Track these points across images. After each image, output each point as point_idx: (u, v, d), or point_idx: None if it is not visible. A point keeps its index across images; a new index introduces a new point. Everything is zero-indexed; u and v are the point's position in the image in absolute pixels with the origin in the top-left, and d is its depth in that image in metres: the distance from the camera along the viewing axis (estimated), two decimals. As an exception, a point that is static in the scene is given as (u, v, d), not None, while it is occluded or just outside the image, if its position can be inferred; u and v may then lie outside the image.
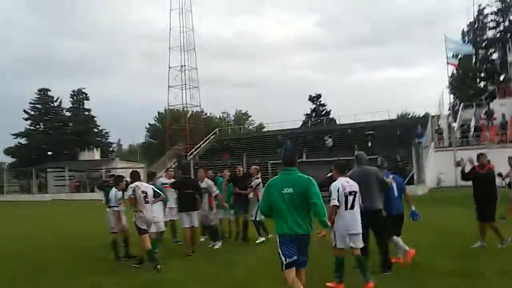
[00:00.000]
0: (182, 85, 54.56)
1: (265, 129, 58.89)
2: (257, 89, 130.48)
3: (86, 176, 44.56)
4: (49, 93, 62.57)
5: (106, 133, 66.23)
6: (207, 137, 49.05)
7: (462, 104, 40.67)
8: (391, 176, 8.39)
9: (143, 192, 8.70)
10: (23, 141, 60.69)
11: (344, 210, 6.77)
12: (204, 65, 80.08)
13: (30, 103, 61.58)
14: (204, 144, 47.08)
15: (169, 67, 54.34)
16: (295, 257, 5.35)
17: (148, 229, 8.69)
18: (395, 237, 8.30)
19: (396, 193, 8.33)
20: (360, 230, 6.87)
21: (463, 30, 55.58)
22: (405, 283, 6.99)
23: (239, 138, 47.30)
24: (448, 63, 32.73)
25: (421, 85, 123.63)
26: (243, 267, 8.63)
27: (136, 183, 8.77)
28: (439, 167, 29.73)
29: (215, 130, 51.34)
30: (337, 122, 50.61)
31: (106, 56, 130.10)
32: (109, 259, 9.70)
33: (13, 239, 14.04)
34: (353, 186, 6.91)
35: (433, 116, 36.55)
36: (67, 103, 64.08)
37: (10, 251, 11.48)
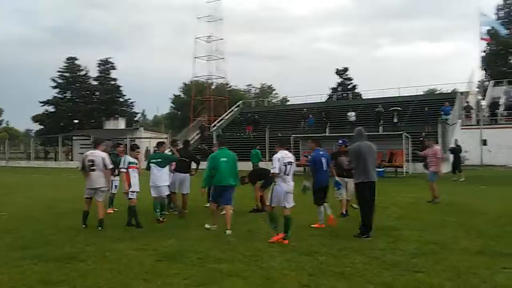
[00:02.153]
0: (208, 56, 54.38)
1: (289, 103, 58.61)
2: (282, 62, 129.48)
3: (111, 145, 45.09)
4: (76, 62, 63.21)
5: (132, 103, 66.92)
6: (231, 109, 49.01)
7: (491, 81, 39.44)
8: (321, 152, 10.01)
9: (89, 160, 9.87)
10: (50, 109, 61.72)
11: (283, 175, 8.33)
12: (229, 37, 79.42)
13: (58, 71, 62.46)
14: (227, 116, 47.08)
15: (196, 38, 54.16)
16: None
17: (91, 196, 10.00)
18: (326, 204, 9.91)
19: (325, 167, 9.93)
20: (291, 190, 8.45)
21: (497, 5, 53.65)
22: (430, 260, 6.91)
23: (263, 111, 47.06)
24: (481, 38, 31.67)
25: (451, 61, 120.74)
26: (262, 237, 8.69)
27: (87, 152, 10.07)
28: (464, 145, 29.11)
29: (239, 103, 51.21)
30: (363, 97, 49.90)
31: (133, 27, 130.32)
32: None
33: (43, 203, 14.38)
34: (290, 157, 8.55)
35: (461, 93, 35.65)
36: (94, 73, 64.81)
37: (40, 216, 11.76)
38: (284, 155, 8.48)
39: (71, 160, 46.50)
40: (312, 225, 9.72)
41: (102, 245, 8.10)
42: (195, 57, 54.41)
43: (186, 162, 11.60)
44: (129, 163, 10.13)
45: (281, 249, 7.69)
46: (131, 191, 10.06)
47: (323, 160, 9.89)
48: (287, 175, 8.41)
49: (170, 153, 11.46)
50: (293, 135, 28.70)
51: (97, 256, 7.29)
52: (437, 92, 56.69)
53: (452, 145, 23.67)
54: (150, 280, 5.97)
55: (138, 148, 10.93)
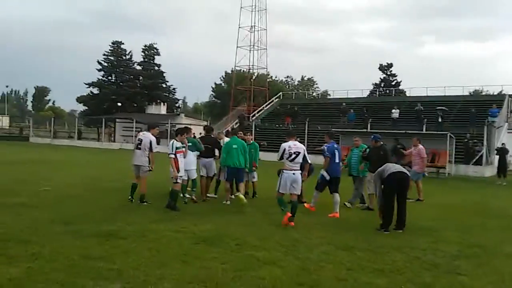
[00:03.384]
0: (250, 46, 54.35)
1: (329, 96, 58.02)
2: (322, 55, 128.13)
3: (146, 128, 45.86)
4: (122, 46, 64.33)
5: (174, 89, 67.63)
6: (271, 100, 48.93)
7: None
8: (335, 145, 10.83)
9: (138, 139, 10.87)
10: (95, 90, 63.17)
11: (288, 163, 9.02)
12: (270, 28, 78.96)
13: (104, 54, 63.65)
14: (267, 107, 47.05)
15: (239, 27, 54.23)
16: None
17: (135, 172, 10.79)
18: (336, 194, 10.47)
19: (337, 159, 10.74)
20: (299, 180, 9.10)
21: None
22: (473, 263, 6.71)
23: (303, 103, 46.77)
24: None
25: (497, 62, 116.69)
26: (298, 227, 8.66)
27: (141, 132, 11.16)
28: (511, 150, 28.16)
29: (279, 94, 51.05)
30: (407, 94, 48.81)
31: (178, 14, 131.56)
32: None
33: (85, 181, 14.78)
34: (299, 148, 9.20)
35: (510, 95, 34.35)
36: (138, 57, 65.84)
37: (81, 193, 12.09)
38: (292, 145, 9.14)
39: (114, 141, 47.63)
40: (305, 204, 10.86)
41: (141, 224, 8.25)
42: (238, 46, 54.49)
43: (209, 148, 12.00)
44: (177, 148, 10.32)
45: (319, 241, 7.63)
46: (179, 175, 10.26)
47: (336, 153, 10.66)
48: (292, 162, 9.04)
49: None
50: (333, 130, 28.33)
51: (137, 235, 7.42)
52: (483, 93, 54.99)
53: (499, 145, 22.84)
54: (189, 262, 6.02)
55: (187, 131, 11.20)
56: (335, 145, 10.87)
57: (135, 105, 62.32)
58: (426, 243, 7.92)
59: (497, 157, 22.68)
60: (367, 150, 11.75)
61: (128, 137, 47.04)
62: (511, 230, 9.41)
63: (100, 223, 8.16)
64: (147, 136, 10.82)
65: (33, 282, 5.05)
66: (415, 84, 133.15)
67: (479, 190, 18.10)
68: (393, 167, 9.20)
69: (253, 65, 55.41)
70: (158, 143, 11.30)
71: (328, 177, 10.60)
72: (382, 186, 9.07)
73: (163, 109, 57.99)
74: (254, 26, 53.84)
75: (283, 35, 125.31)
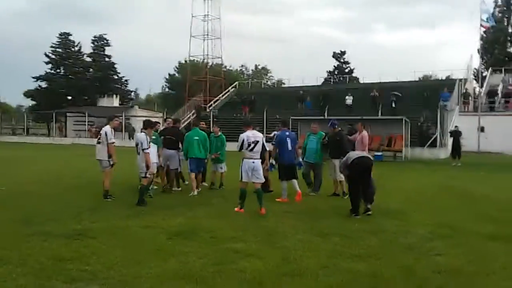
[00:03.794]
0: (204, 35, 53.65)
1: (285, 85, 58.26)
2: (276, 45, 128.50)
3: (106, 122, 44.65)
4: (70, 37, 62.20)
5: (126, 80, 66.10)
6: (227, 89, 48.59)
7: (490, 68, 39.36)
8: (287, 133, 10.84)
9: (99, 133, 10.69)
10: (43, 84, 60.86)
11: (248, 152, 9.11)
12: (223, 18, 78.29)
13: (51, 46, 61.43)
14: (223, 97, 46.70)
15: (192, 16, 53.35)
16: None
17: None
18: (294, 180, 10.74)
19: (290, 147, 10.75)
20: (259, 169, 9.18)
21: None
22: (447, 244, 6.82)
23: (259, 93, 46.65)
24: (481, 25, 31.41)
25: (445, 48, 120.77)
26: (270, 217, 8.61)
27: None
28: (462, 132, 29.19)
29: (235, 83, 50.78)
30: (360, 81, 49.64)
31: (128, 3, 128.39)
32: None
33: (41, 178, 14.16)
34: (258, 137, 9.30)
35: (460, 80, 35.54)
36: (87, 49, 63.84)
37: (40, 191, 11.55)
38: (251, 134, 9.27)
39: (65, 136, 46.06)
40: (277, 199, 10.49)
41: (108, 222, 7.93)
42: (192, 36, 53.65)
43: (172, 140, 11.93)
44: (148, 142, 10.04)
45: (293, 230, 7.57)
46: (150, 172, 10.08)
47: (288, 140, 10.72)
48: (252, 151, 9.16)
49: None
50: (292, 117, 28.42)
51: (106, 233, 7.11)
52: (432, 78, 56.67)
53: (453, 128, 23.54)
54: (164, 258, 5.80)
55: (155, 124, 11.29)
56: (287, 133, 10.91)
57: (86, 98, 60.52)
58: (397, 226, 8.01)
59: (451, 139, 23.37)
60: (326, 137, 11.85)
61: (80, 132, 45.65)
62: (476, 210, 9.67)
63: (65, 222, 7.78)
64: (104, 129, 10.56)
65: (1, 289, 4.74)
66: (368, 71, 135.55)
67: (437, 172, 18.61)
68: (354, 153, 9.36)
69: (207, 55, 54.84)
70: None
71: (276, 165, 11.01)
72: (347, 171, 9.20)
73: (115, 101, 56.44)
74: (208, 14, 53.18)
75: (237, 24, 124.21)
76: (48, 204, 9.71)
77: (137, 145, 10.08)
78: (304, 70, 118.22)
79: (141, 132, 10.38)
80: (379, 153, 23.68)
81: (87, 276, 5.14)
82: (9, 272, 5.20)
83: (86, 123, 44.59)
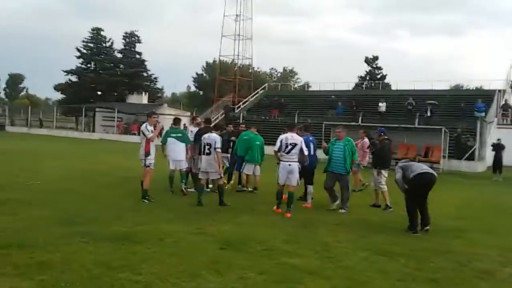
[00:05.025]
0: (235, 35, 53.33)
1: (312, 88, 57.46)
2: (301, 47, 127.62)
3: (134, 119, 44.76)
4: (102, 33, 62.53)
5: (155, 78, 66.18)
6: (256, 91, 48.12)
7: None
8: (310, 138, 10.78)
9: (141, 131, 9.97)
10: (73, 78, 61.34)
11: (285, 155, 9.20)
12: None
13: (83, 41, 61.73)
14: (252, 98, 46.25)
15: (224, 15, 53.15)
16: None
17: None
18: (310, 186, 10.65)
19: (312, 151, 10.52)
20: (295, 172, 9.22)
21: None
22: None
23: (288, 95, 46.12)
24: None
25: (472, 56, 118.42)
26: (319, 227, 8.13)
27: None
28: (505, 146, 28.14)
29: (264, 85, 50.23)
30: (393, 87, 48.58)
31: (156, 3, 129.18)
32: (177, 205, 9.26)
33: (76, 174, 13.89)
34: (296, 140, 9.31)
35: (499, 91, 34.35)
36: (118, 45, 64.12)
37: (77, 189, 11.20)
38: (289, 137, 9.32)
39: (93, 131, 46.21)
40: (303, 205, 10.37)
41: (153, 225, 7.52)
42: (223, 36, 53.42)
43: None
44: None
45: (352, 246, 6.99)
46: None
47: (311, 145, 10.58)
48: (288, 154, 9.20)
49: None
50: (325, 122, 27.82)
51: (153, 238, 6.67)
52: (464, 88, 55.22)
53: (495, 141, 22.58)
54: (222, 272, 5.31)
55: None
56: (310, 138, 10.78)
57: (115, 94, 60.70)
58: (461, 245, 7.41)
59: (492, 152, 22.41)
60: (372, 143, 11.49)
61: (108, 127, 45.70)
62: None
63: (108, 224, 7.40)
64: (142, 126, 10.06)
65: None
66: (399, 78, 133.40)
67: (481, 187, 17.76)
68: (417, 167, 8.62)
69: (238, 55, 54.46)
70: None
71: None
72: (406, 185, 8.50)
73: (144, 99, 56.54)
74: (240, 14, 52.85)
75: (264, 26, 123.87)
76: (86, 202, 9.37)
77: (206, 145, 9.85)
78: (329, 75, 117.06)
79: (212, 132, 10.16)
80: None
81: (140, 288, 4.70)
82: (55, 279, 4.79)
83: (116, 119, 44.59)
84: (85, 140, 37.42)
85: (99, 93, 58.38)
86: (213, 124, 11.66)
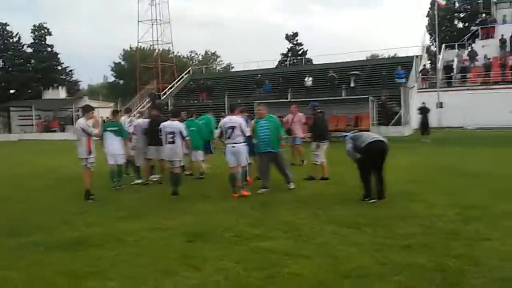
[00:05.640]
0: (152, 20, 51.63)
1: (236, 69, 57.25)
2: (217, 29, 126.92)
3: (53, 115, 42.45)
4: (7, 28, 58.32)
5: (71, 71, 62.98)
6: (181, 76, 47.10)
7: (444, 45, 40.09)
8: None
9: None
10: (-19, 78, 56.99)
11: (227, 139, 9.12)
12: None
13: (-13, 38, 57.38)
14: (178, 84, 45.25)
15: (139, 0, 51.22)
16: None
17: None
18: None
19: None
20: (241, 152, 9.10)
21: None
22: (486, 226, 6.41)
23: (214, 78, 45.62)
24: (435, 1, 31.74)
25: (385, 26, 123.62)
26: (271, 206, 8.07)
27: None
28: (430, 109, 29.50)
29: (188, 69, 49.29)
30: (314, 62, 49.37)
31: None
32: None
33: (5, 179, 12.83)
34: (234, 122, 9.09)
35: (416, 57, 35.94)
36: (27, 40, 60.14)
37: (11, 195, 10.42)
38: (227, 120, 9.19)
39: (10, 132, 43.29)
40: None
41: (106, 225, 7.05)
42: (139, 21, 51.52)
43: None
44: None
45: (317, 222, 6.91)
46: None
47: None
48: (229, 138, 9.08)
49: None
50: (255, 101, 27.73)
51: (111, 239, 6.21)
52: (379, 57, 57.39)
53: (420, 105, 23.58)
54: (198, 266, 5.02)
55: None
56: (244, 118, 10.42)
57: (30, 91, 57.08)
58: (420, 209, 7.56)
59: (418, 116, 23.43)
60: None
61: (26, 127, 43.02)
62: (485, 187, 9.34)
63: (57, 230, 6.83)
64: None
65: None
66: (316, 52, 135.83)
67: (415, 150, 18.43)
68: (367, 136, 8.70)
69: (157, 40, 52.87)
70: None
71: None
72: (358, 155, 8.54)
73: (62, 93, 53.60)
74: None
75: (179, 9, 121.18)
76: (26, 210, 8.63)
77: (168, 133, 9.60)
78: (252, 55, 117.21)
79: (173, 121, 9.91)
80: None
81: (117, 296, 4.31)
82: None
83: (33, 118, 42.00)
84: (3, 142, 34.90)
85: (12, 91, 54.61)
86: (171, 112, 11.21)
